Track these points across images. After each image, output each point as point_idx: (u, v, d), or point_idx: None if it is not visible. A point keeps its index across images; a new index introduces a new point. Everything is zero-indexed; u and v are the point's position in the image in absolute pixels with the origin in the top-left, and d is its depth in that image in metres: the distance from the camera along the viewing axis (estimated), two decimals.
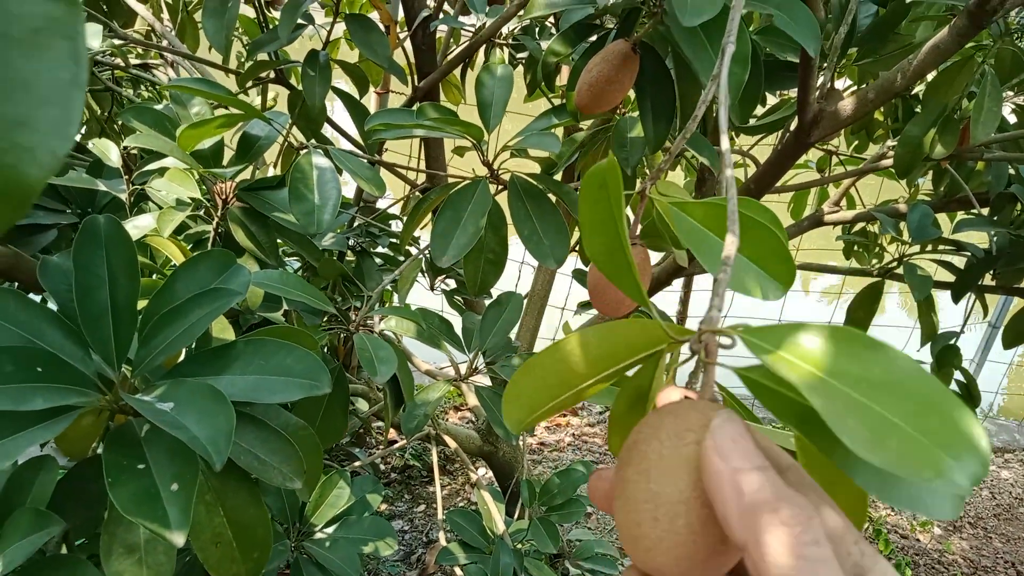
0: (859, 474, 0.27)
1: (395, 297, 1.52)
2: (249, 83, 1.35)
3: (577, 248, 1.38)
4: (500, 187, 0.88)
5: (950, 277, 1.28)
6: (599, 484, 0.30)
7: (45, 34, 0.18)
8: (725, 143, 0.36)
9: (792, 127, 1.09)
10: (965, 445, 0.22)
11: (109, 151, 0.97)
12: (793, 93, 1.16)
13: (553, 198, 0.87)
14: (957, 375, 1.26)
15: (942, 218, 1.36)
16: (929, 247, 1.31)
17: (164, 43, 1.63)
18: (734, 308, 2.84)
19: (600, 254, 0.33)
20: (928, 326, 1.24)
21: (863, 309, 1.32)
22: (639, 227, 0.53)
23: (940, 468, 0.21)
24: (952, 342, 1.24)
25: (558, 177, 1.49)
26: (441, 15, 1.34)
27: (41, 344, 0.55)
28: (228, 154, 1.01)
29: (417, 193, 1.47)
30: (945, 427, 0.22)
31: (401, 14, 1.40)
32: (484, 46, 1.50)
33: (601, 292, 0.55)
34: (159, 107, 0.96)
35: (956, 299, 1.24)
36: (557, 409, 0.34)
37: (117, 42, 1.34)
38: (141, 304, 0.63)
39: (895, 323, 3.45)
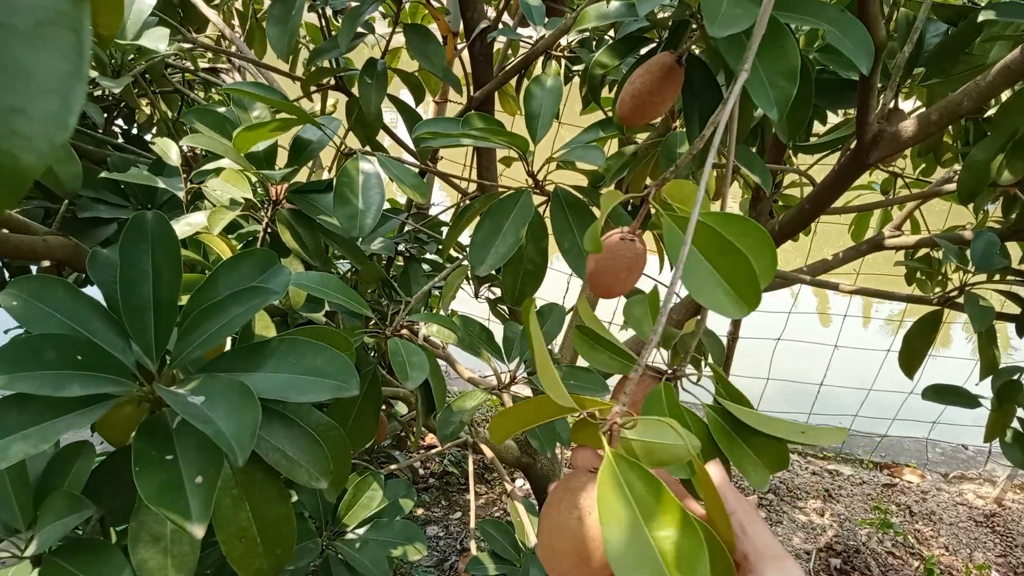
0: None
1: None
2: (312, 88, 1.39)
3: None
4: (545, 199, 0.88)
5: (1017, 309, 1.22)
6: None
7: (50, 26, 0.19)
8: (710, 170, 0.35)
9: (851, 147, 1.06)
10: None
11: (170, 150, 1.00)
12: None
13: (597, 211, 0.86)
14: (1020, 412, 1.20)
15: (1013, 247, 1.29)
16: (996, 277, 1.25)
17: (233, 48, 1.69)
18: (791, 331, 2.76)
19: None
20: (988, 359, 1.18)
21: (920, 338, 1.26)
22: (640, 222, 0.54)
23: None
24: (1015, 377, 1.18)
25: (606, 190, 1.48)
26: (500, 26, 1.34)
27: (84, 333, 0.57)
28: (284, 157, 1.03)
29: (467, 201, 1.48)
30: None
31: (461, 25, 1.41)
32: (541, 58, 1.50)
33: (596, 279, 0.56)
34: (222, 110, 0.99)
35: (1021, 333, 1.18)
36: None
37: (186, 46, 1.39)
38: (184, 299, 0.65)
39: (959, 355, 3.30)
